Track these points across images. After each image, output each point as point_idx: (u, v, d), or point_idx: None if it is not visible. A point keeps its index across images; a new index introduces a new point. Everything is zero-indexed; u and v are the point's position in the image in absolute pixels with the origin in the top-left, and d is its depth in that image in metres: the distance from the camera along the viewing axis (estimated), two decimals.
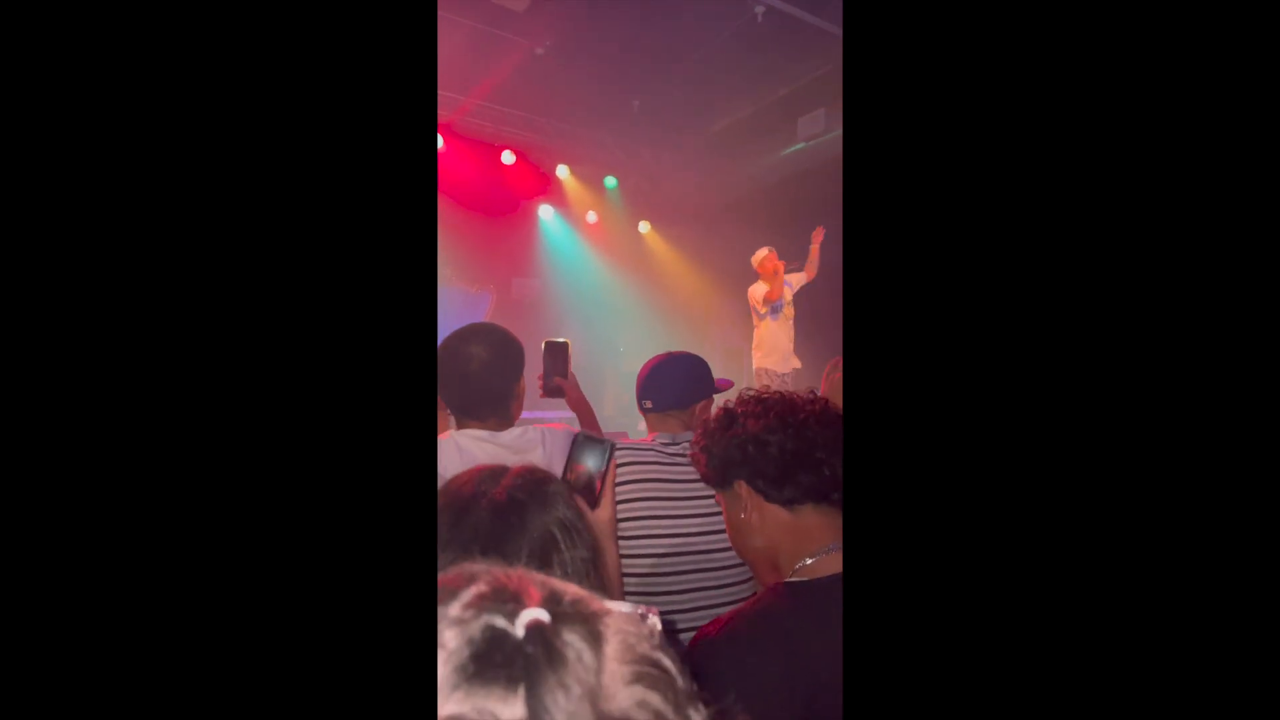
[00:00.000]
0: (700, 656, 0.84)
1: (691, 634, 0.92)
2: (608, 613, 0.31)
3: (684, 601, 1.27)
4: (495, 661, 0.27)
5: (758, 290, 4.31)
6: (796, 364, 4.34)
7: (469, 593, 0.30)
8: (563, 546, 0.64)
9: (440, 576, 0.32)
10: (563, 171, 5.85)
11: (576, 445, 1.01)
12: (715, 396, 1.50)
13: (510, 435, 1.31)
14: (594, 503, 0.95)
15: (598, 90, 4.96)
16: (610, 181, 6.06)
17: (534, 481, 0.68)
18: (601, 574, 0.67)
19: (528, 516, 0.64)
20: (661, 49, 4.42)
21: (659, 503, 1.33)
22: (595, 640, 0.29)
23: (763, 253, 4.24)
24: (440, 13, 4.09)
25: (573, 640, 0.28)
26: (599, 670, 0.28)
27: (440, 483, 1.14)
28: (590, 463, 0.98)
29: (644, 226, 6.46)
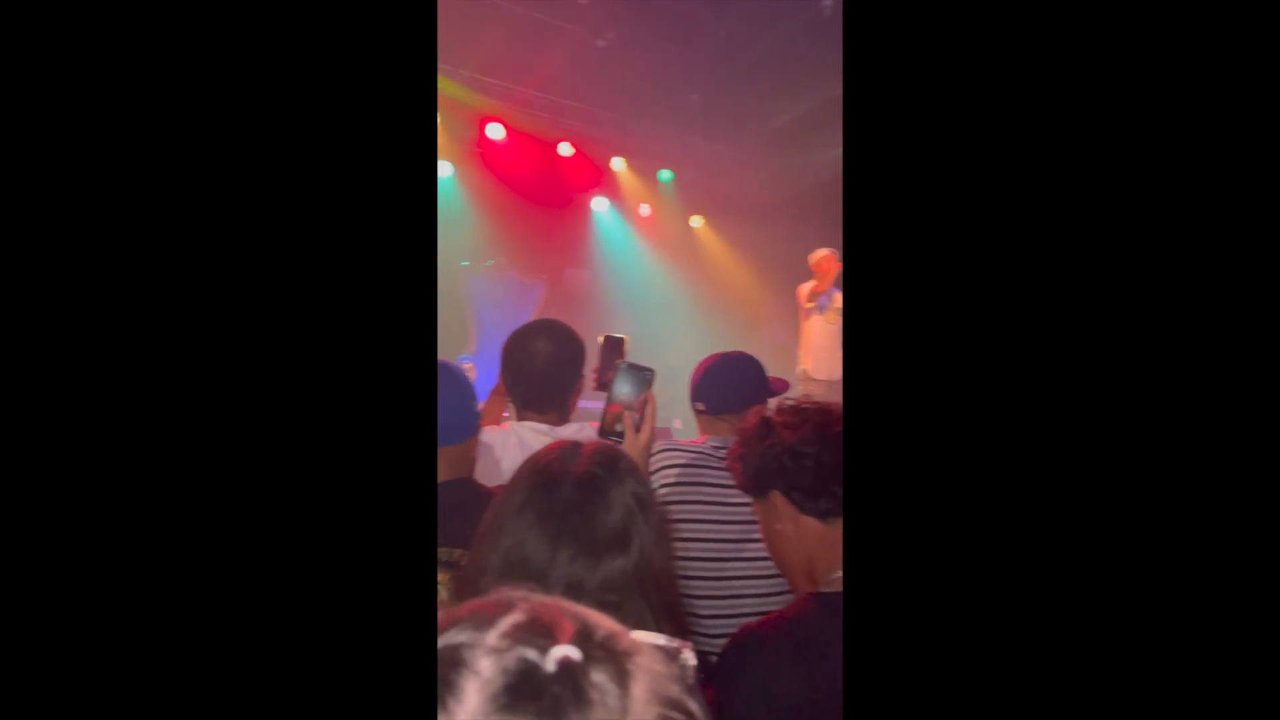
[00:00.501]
0: (730, 662, 0.84)
1: (726, 640, 0.92)
2: (638, 650, 0.31)
3: (723, 607, 1.27)
4: (525, 694, 0.28)
5: (806, 286, 4.25)
6: (838, 375, 4.23)
7: (506, 621, 0.30)
8: (639, 520, 0.67)
9: (478, 602, 0.32)
10: (618, 164, 5.86)
11: (619, 375, 1.04)
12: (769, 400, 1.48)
13: (569, 430, 1.34)
14: (637, 427, 1.01)
15: (657, 83, 4.93)
16: (665, 175, 6.04)
17: (610, 457, 0.71)
18: (668, 547, 0.69)
19: (609, 491, 0.67)
20: (724, 42, 4.36)
21: (704, 506, 1.32)
22: (623, 680, 0.29)
23: (821, 253, 4.15)
24: (501, 2, 4.14)
25: (600, 681, 0.28)
26: (624, 712, 0.28)
27: (497, 471, 1.17)
28: (631, 392, 1.02)
29: (696, 221, 6.41)
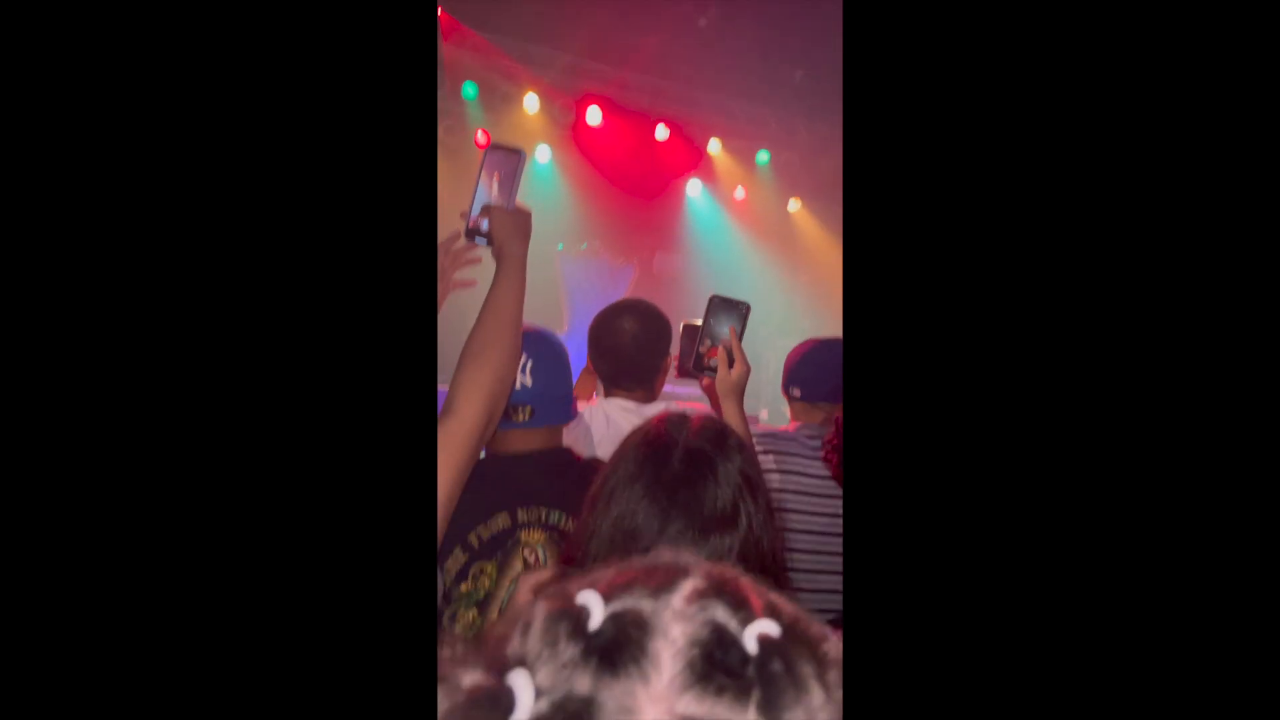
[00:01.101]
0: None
1: None
2: (826, 638, 0.29)
3: (812, 601, 1.23)
4: (724, 668, 0.26)
5: None
6: None
7: (687, 586, 0.28)
8: (747, 498, 0.66)
9: (640, 565, 0.30)
10: (714, 146, 5.76)
11: (712, 309, 1.03)
12: None
13: (654, 409, 1.34)
14: (730, 362, 1.01)
15: (759, 61, 4.79)
16: (762, 157, 5.87)
17: (717, 433, 0.70)
18: (775, 529, 0.68)
19: (718, 467, 0.67)
20: (830, 16, 4.16)
21: (796, 496, 1.28)
22: (823, 669, 0.27)
23: None
24: None
25: (809, 669, 0.26)
26: (826, 704, 0.26)
27: (589, 442, 1.22)
28: (726, 328, 1.01)
29: (794, 205, 6.20)
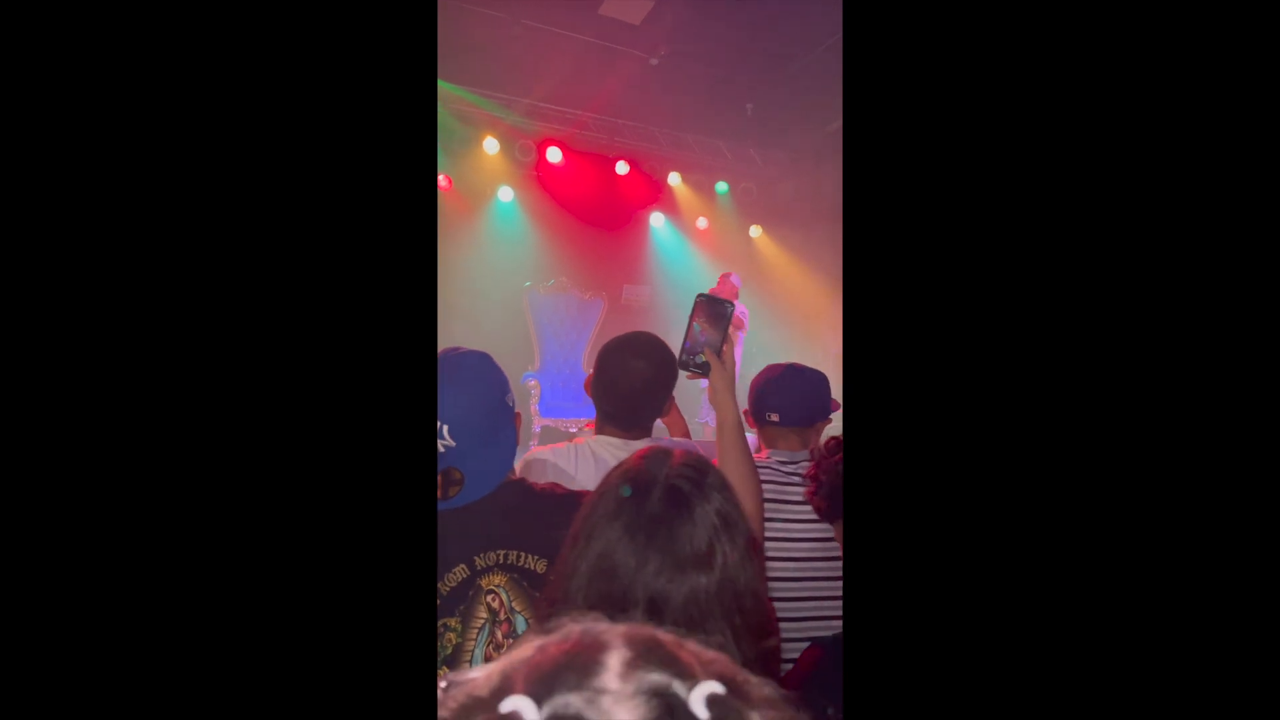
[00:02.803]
0: (810, 678, 0.82)
1: (791, 660, 0.89)
2: (750, 681, 0.27)
3: (788, 630, 1.23)
4: None
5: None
6: None
7: (614, 659, 0.26)
8: (723, 538, 0.65)
9: (552, 646, 0.28)
10: (674, 179, 5.89)
11: (699, 308, 1.04)
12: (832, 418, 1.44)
13: (642, 445, 1.32)
14: (718, 357, 1.01)
15: (711, 96, 4.94)
16: (721, 187, 6.02)
17: (697, 470, 0.70)
18: (758, 565, 0.67)
19: (694, 506, 0.66)
20: (775, 51, 4.33)
21: (771, 523, 1.29)
22: (769, 712, 0.25)
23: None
24: (555, 29, 4.26)
25: (757, 717, 0.24)
26: None
27: (563, 486, 1.17)
28: (716, 332, 1.02)
29: (755, 231, 6.35)
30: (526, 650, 0.28)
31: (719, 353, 1.05)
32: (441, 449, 0.92)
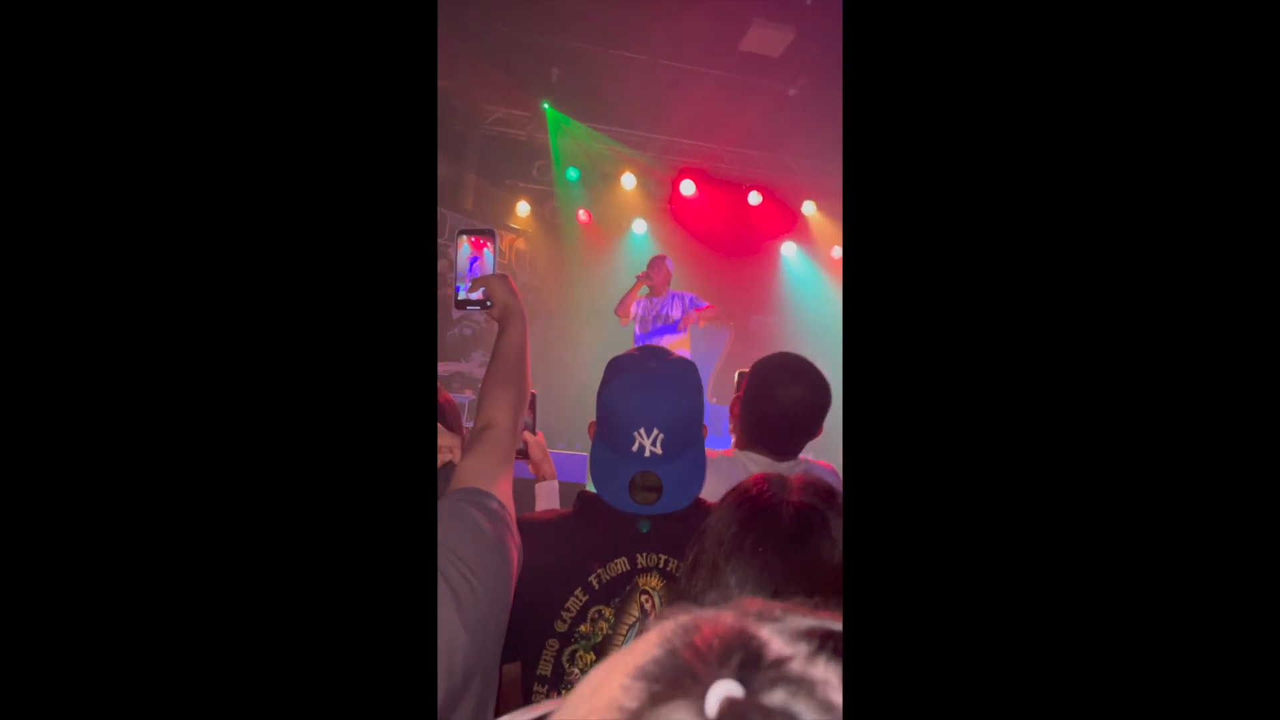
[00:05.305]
0: None
1: None
2: (825, 667, 0.24)
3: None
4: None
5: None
6: None
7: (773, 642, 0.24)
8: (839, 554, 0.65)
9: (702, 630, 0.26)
10: (809, 208, 5.79)
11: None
12: None
13: (785, 467, 1.30)
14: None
15: None
16: None
17: (827, 491, 0.70)
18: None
19: (830, 521, 0.66)
20: None
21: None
22: (828, 707, 0.22)
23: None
24: (691, 65, 4.38)
25: (806, 710, 0.22)
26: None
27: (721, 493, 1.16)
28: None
29: None
30: (653, 650, 0.25)
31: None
32: (647, 454, 0.95)
